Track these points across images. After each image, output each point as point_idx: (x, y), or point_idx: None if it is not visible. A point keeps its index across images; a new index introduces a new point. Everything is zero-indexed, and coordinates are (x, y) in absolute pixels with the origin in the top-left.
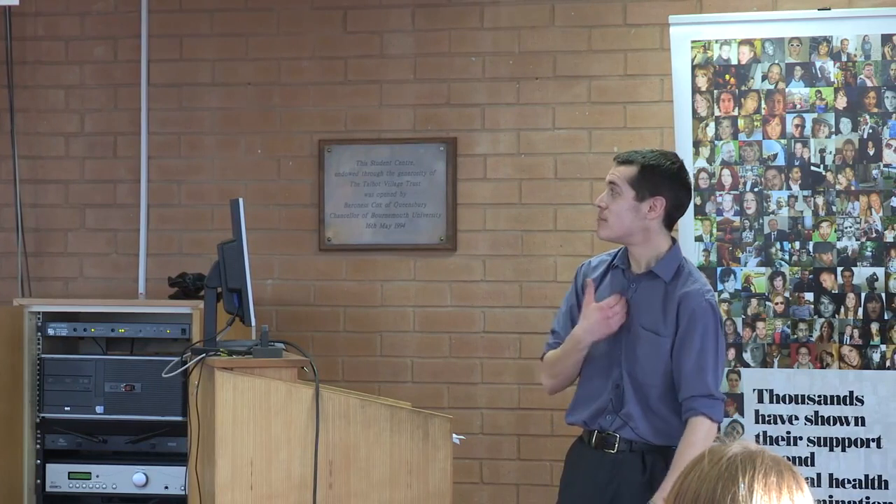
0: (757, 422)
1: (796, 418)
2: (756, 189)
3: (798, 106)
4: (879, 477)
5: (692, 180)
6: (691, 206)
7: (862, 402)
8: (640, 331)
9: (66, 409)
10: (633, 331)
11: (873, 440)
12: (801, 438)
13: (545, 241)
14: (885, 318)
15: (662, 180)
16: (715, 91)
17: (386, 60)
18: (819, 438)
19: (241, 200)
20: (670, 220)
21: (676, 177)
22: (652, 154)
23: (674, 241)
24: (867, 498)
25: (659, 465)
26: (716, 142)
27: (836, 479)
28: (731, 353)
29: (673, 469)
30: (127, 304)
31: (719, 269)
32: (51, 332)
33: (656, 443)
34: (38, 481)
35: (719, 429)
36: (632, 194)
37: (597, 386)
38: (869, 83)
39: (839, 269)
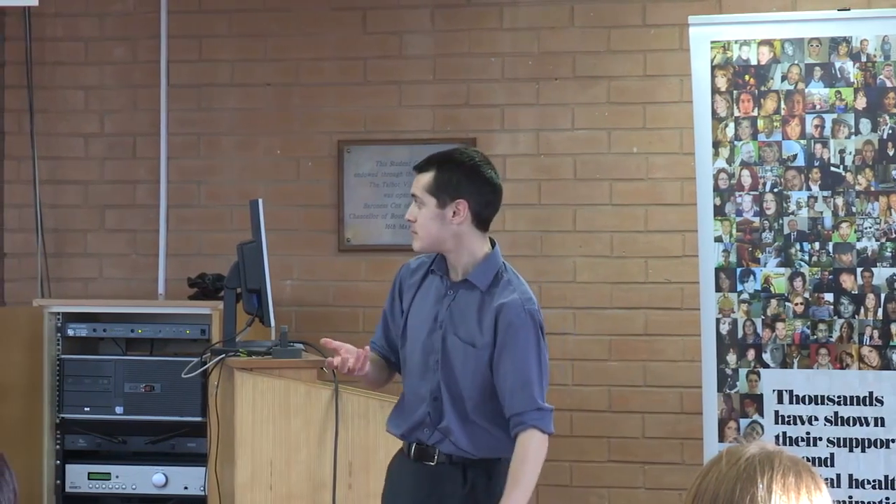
0: (777, 422)
1: (816, 419)
2: (776, 189)
3: (818, 106)
4: None
5: (495, 175)
6: (711, 207)
7: (882, 402)
8: (455, 341)
9: (85, 409)
10: (448, 342)
11: (893, 441)
12: (820, 439)
13: (564, 241)
14: None
15: (460, 181)
16: (734, 91)
17: (405, 61)
18: (839, 439)
19: (260, 201)
20: (482, 221)
21: (474, 174)
22: (446, 155)
23: (493, 244)
24: (887, 499)
25: (481, 478)
26: (735, 142)
27: (856, 480)
28: (751, 353)
29: (511, 486)
30: (146, 304)
31: (739, 270)
32: (70, 332)
33: (478, 455)
34: (58, 482)
35: (737, 429)
36: (433, 202)
37: (414, 397)
38: (889, 83)
39: (859, 270)
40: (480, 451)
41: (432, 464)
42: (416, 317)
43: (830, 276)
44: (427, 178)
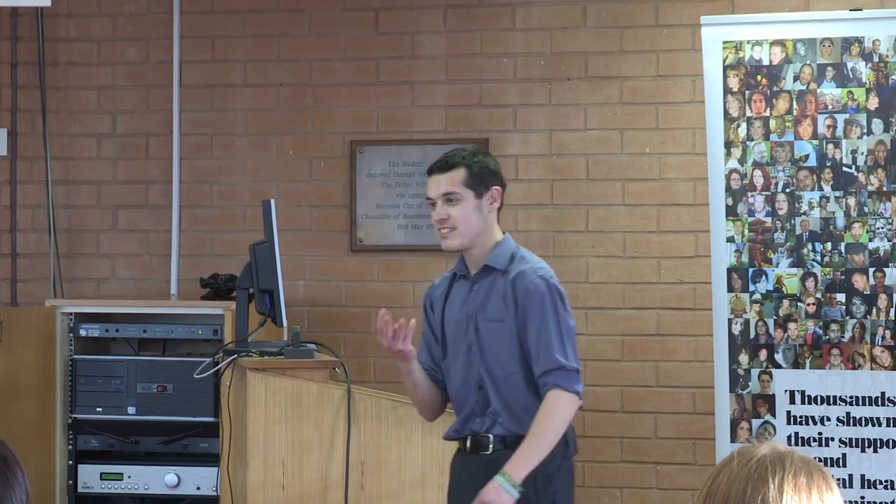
0: (789, 423)
1: (828, 419)
2: (788, 190)
3: (830, 106)
4: None
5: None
6: (723, 207)
7: (894, 403)
8: (486, 324)
9: (98, 409)
10: (481, 328)
11: None
12: (832, 439)
13: (577, 241)
14: None
15: (488, 171)
16: (746, 92)
17: (418, 61)
18: (851, 439)
19: (272, 201)
20: (500, 207)
21: (493, 163)
22: (463, 152)
23: (503, 233)
24: None
25: None
26: (747, 142)
27: (868, 480)
28: (763, 353)
29: (530, 435)
30: (159, 304)
31: (751, 270)
32: (83, 332)
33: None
34: (71, 482)
35: (749, 429)
36: (471, 194)
37: (462, 394)
38: None
39: (871, 270)
40: (527, 429)
41: (488, 453)
42: (449, 322)
43: (842, 277)
44: (459, 174)
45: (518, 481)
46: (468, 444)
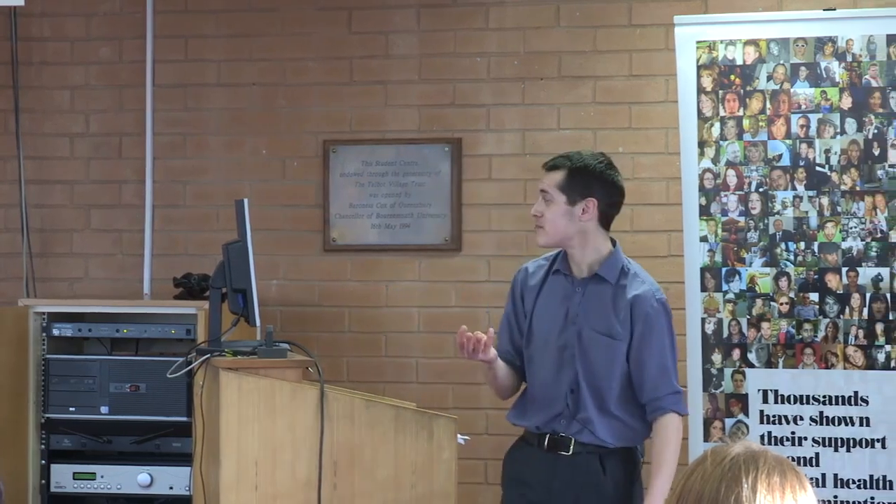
0: (762, 422)
1: (801, 419)
2: (761, 189)
3: (803, 106)
4: (884, 477)
5: (621, 178)
6: (696, 207)
7: (867, 402)
8: (592, 335)
9: (70, 409)
10: (584, 335)
11: (878, 440)
12: (805, 439)
13: None
14: (890, 318)
15: (591, 181)
16: (720, 91)
17: (391, 61)
18: (824, 439)
19: (245, 201)
20: (606, 220)
21: (605, 175)
22: (579, 156)
23: (614, 242)
24: (872, 498)
25: (618, 468)
26: (721, 142)
27: (841, 480)
28: (736, 353)
29: (658, 471)
30: (132, 304)
31: (724, 270)
32: (56, 332)
33: (614, 445)
34: (43, 481)
35: (722, 428)
36: (563, 199)
37: (549, 391)
38: (874, 83)
39: (844, 270)
40: (618, 441)
41: (568, 454)
42: (542, 316)
43: (816, 276)
44: (559, 175)
45: None
46: (546, 441)
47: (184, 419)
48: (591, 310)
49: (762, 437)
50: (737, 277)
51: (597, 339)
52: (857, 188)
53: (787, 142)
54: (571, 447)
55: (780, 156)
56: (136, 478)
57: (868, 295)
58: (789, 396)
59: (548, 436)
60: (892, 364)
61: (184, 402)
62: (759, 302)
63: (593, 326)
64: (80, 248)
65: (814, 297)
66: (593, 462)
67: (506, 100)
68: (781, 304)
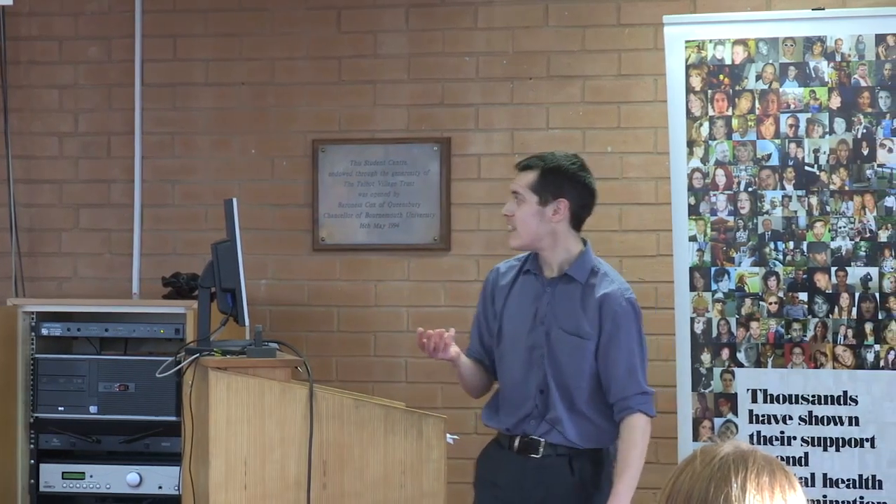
0: (751, 422)
1: (790, 418)
2: (750, 189)
3: (792, 106)
4: (873, 477)
5: (593, 180)
6: (685, 206)
7: (856, 401)
8: (561, 334)
9: (59, 409)
10: (553, 335)
11: (867, 440)
12: (794, 438)
13: None
14: (879, 317)
15: (563, 182)
16: (709, 91)
17: (380, 60)
18: (813, 438)
19: (234, 200)
20: (577, 221)
21: (577, 177)
22: (552, 157)
23: (584, 242)
24: (861, 498)
25: (587, 468)
26: (710, 142)
27: (830, 479)
28: (725, 352)
29: (622, 473)
30: (121, 304)
31: (713, 269)
32: (45, 331)
33: (583, 446)
34: (32, 481)
35: (711, 428)
36: (535, 199)
37: (519, 391)
38: (863, 83)
39: (833, 269)
40: (586, 442)
41: (537, 456)
42: (512, 316)
43: (805, 276)
44: (531, 176)
45: None
46: (516, 443)
47: (173, 419)
48: (559, 309)
49: (751, 436)
50: (726, 277)
51: (565, 338)
52: (846, 188)
53: (776, 141)
54: (541, 449)
55: (769, 155)
56: (125, 477)
57: (857, 294)
58: (778, 396)
59: (518, 438)
60: (881, 364)
61: (173, 401)
62: (748, 301)
63: (562, 326)
64: (68, 247)
65: (803, 296)
66: (561, 464)
67: (495, 99)
68: (770, 303)
